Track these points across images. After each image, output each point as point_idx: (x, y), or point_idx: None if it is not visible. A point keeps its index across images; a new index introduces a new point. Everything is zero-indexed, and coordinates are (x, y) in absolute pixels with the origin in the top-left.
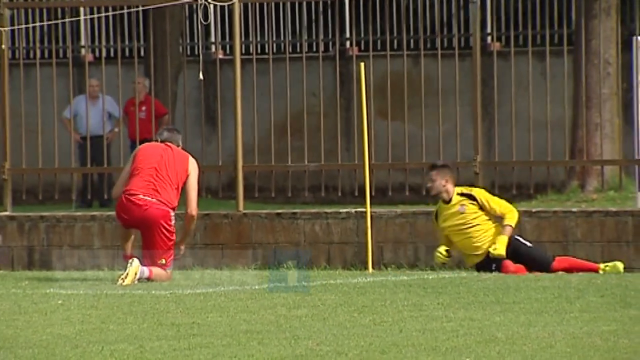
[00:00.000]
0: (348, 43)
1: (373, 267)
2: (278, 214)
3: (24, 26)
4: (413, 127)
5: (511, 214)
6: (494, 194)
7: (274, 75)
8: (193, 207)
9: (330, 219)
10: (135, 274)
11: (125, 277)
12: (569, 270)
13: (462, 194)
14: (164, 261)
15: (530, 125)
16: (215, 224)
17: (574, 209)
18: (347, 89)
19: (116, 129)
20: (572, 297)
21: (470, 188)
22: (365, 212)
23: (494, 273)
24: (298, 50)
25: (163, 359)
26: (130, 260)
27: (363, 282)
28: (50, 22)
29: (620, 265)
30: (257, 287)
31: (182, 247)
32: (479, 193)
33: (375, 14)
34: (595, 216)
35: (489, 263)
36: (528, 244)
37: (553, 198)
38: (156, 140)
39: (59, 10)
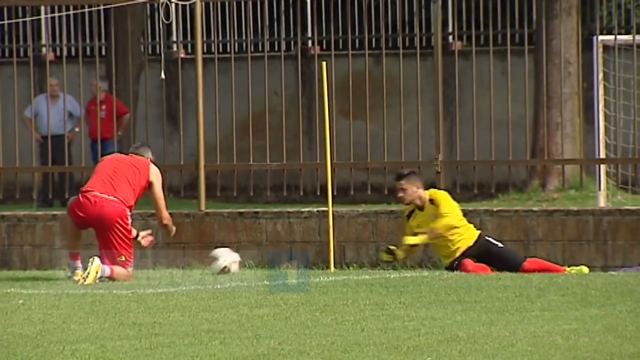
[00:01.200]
0: (310, 42)
1: (335, 267)
2: (240, 213)
3: None
4: (375, 127)
5: (440, 219)
6: (456, 198)
7: (235, 75)
8: (165, 217)
9: (292, 218)
10: (97, 272)
11: (87, 277)
12: (539, 272)
13: (431, 201)
14: (123, 258)
15: (492, 125)
16: (177, 223)
17: (535, 208)
18: (309, 88)
19: (77, 129)
20: (533, 296)
21: (434, 192)
22: (327, 212)
23: (455, 272)
24: (260, 49)
25: (125, 359)
26: (90, 259)
27: (325, 281)
28: (10, 21)
29: (585, 270)
30: (218, 286)
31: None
32: (439, 198)
33: (337, 13)
34: (556, 215)
35: (452, 262)
36: (499, 244)
37: (514, 197)
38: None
39: (20, 9)
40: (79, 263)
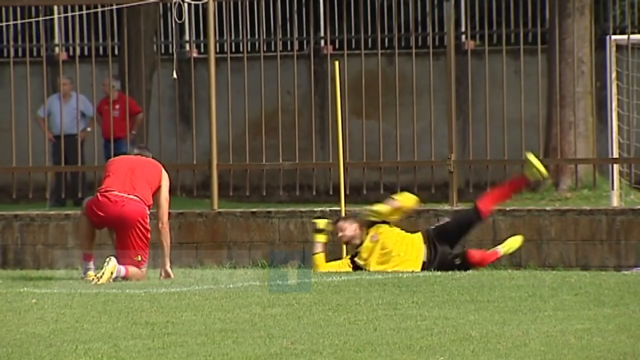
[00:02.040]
0: (323, 42)
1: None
2: (253, 212)
3: None
4: (387, 126)
5: (406, 197)
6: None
7: (248, 74)
8: (165, 220)
9: (305, 217)
10: (112, 273)
11: (101, 276)
12: (497, 200)
13: (367, 230)
14: (140, 258)
15: (505, 124)
16: (189, 222)
17: (548, 208)
18: (322, 87)
19: (89, 129)
20: (546, 296)
21: (371, 223)
22: (340, 211)
23: (468, 271)
24: (272, 48)
25: (137, 358)
26: (107, 259)
27: (337, 280)
28: (24, 21)
29: (516, 241)
30: (231, 285)
31: (170, 271)
32: (377, 212)
33: (350, 13)
34: (569, 215)
35: (450, 260)
36: (445, 220)
37: (527, 197)
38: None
39: (33, 9)
40: (91, 264)
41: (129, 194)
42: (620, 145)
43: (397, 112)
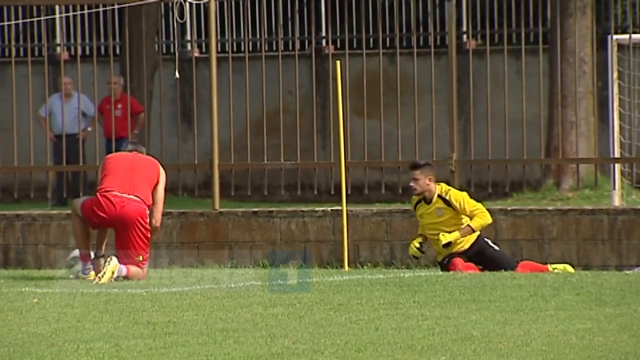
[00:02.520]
0: (324, 41)
1: (349, 266)
2: (254, 212)
3: None
4: (389, 126)
5: (480, 217)
6: (472, 196)
7: (250, 74)
8: (159, 219)
9: (307, 217)
10: (113, 272)
11: (102, 276)
12: (529, 270)
13: (440, 197)
14: (141, 258)
15: (506, 124)
16: (191, 222)
17: (550, 208)
18: (323, 87)
19: (89, 128)
20: (548, 296)
21: (448, 189)
22: (342, 211)
23: (444, 271)
24: (274, 48)
25: (139, 358)
26: (108, 259)
27: (339, 280)
28: (25, 20)
29: (570, 268)
30: (232, 285)
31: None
32: (456, 197)
33: (352, 12)
34: (570, 214)
35: (443, 259)
36: (495, 247)
37: (529, 196)
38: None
39: (35, 8)
40: (89, 264)
41: (129, 194)
42: (621, 144)
43: (398, 111)
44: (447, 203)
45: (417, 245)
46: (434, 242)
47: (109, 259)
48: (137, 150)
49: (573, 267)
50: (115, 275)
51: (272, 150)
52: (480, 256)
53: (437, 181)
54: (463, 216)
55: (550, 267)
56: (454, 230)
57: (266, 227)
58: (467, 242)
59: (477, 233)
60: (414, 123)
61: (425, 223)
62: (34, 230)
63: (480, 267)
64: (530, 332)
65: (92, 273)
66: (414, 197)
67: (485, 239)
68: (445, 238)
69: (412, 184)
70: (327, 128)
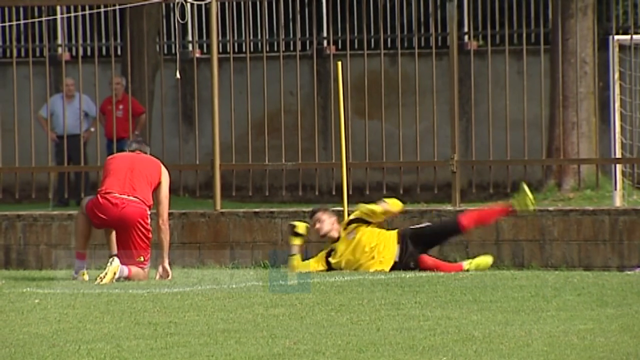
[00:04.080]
0: (325, 42)
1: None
2: (256, 212)
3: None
4: (390, 126)
5: (394, 202)
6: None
7: (251, 74)
8: (165, 218)
9: (308, 218)
10: (115, 273)
11: (104, 277)
12: (479, 221)
13: (347, 226)
14: (142, 258)
15: (507, 124)
16: (192, 223)
17: (551, 208)
18: (325, 87)
19: (92, 129)
20: (549, 296)
21: (347, 220)
22: (343, 211)
23: (423, 272)
24: (275, 49)
25: (140, 358)
26: (110, 259)
27: (340, 281)
28: (26, 21)
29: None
30: (234, 286)
31: (169, 268)
32: (359, 210)
33: (353, 13)
34: (572, 215)
35: (405, 263)
36: (425, 224)
37: None
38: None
39: (36, 9)
40: (84, 263)
41: (129, 196)
42: (623, 145)
43: (399, 112)
44: (356, 222)
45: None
46: (374, 267)
47: (110, 259)
48: (141, 149)
49: (493, 259)
50: (117, 276)
51: (274, 151)
52: (424, 239)
53: (438, 184)
54: (374, 229)
55: (466, 264)
56: (375, 245)
57: (267, 227)
58: (391, 255)
59: (396, 231)
60: (415, 123)
61: (347, 260)
62: (36, 230)
63: (434, 245)
64: (531, 332)
65: (83, 272)
66: (322, 252)
67: (412, 227)
68: (373, 207)
69: (316, 225)
70: (329, 129)
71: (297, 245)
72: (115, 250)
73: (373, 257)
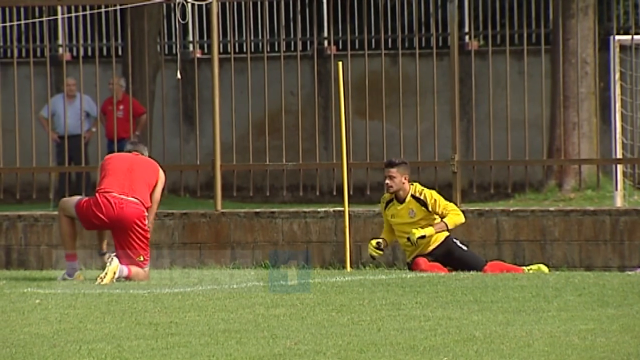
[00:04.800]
0: (326, 42)
1: (351, 266)
2: (256, 213)
3: (0, 25)
4: (391, 127)
5: (453, 214)
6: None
7: (252, 74)
8: (152, 221)
9: (309, 218)
10: (114, 273)
11: (104, 277)
12: (498, 271)
13: (414, 197)
14: (142, 258)
15: (508, 125)
16: (193, 223)
17: (552, 208)
18: (325, 88)
19: (94, 129)
20: (550, 296)
21: (422, 189)
22: (344, 211)
23: (410, 271)
24: (276, 49)
25: (141, 358)
26: (109, 260)
27: (341, 281)
28: (27, 21)
29: (545, 269)
30: (235, 286)
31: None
32: (430, 196)
33: (354, 13)
34: (572, 215)
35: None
36: (464, 247)
37: (531, 197)
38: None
39: (37, 9)
40: (76, 264)
41: (128, 196)
42: (623, 145)
43: (400, 112)
44: (421, 202)
45: (375, 244)
46: (403, 243)
47: (109, 259)
48: (137, 150)
49: (548, 267)
50: (116, 275)
51: (274, 151)
52: (449, 256)
53: (439, 184)
54: (436, 217)
55: (525, 268)
56: (422, 228)
57: (268, 227)
58: (434, 242)
59: (446, 234)
60: (416, 124)
61: (396, 223)
62: (36, 231)
63: (449, 267)
64: (532, 333)
65: (78, 273)
66: (385, 195)
67: (454, 240)
68: (419, 232)
69: (387, 181)
70: (329, 129)
71: (373, 257)
72: (105, 248)
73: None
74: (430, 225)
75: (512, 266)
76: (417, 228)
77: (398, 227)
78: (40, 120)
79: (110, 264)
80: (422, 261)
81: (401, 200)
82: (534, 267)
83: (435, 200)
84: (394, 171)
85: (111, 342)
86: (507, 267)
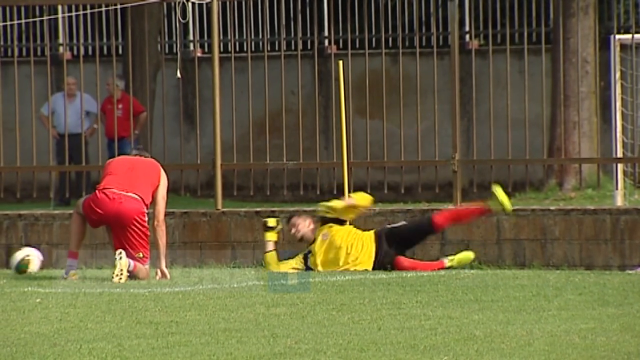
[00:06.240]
0: (327, 41)
1: None
2: (257, 212)
3: (1, 24)
4: (391, 126)
5: (362, 196)
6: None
7: (252, 74)
8: (161, 219)
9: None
10: (126, 267)
11: (120, 274)
12: (454, 220)
13: (320, 227)
14: (141, 254)
15: (509, 124)
16: (193, 222)
17: (552, 207)
18: (326, 87)
19: (95, 125)
20: (551, 295)
21: (325, 224)
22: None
23: (391, 271)
24: (277, 48)
25: (141, 357)
26: (119, 256)
27: (341, 280)
28: (28, 20)
29: (470, 255)
30: (235, 285)
31: (166, 270)
32: (332, 207)
33: (354, 12)
34: (573, 214)
35: (382, 263)
36: (401, 223)
37: (531, 196)
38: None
39: (37, 8)
40: (75, 262)
41: (127, 192)
42: (624, 144)
43: (401, 111)
44: (328, 221)
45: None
46: (355, 266)
47: (119, 254)
48: (141, 154)
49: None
50: (129, 269)
51: (275, 150)
52: (399, 239)
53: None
54: (348, 228)
55: (448, 260)
56: (351, 244)
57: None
58: (369, 254)
59: (373, 232)
60: (417, 123)
61: (325, 261)
62: (37, 230)
63: (411, 245)
64: (532, 332)
65: (73, 272)
66: (300, 254)
67: (389, 226)
68: (325, 204)
69: (292, 230)
70: (330, 128)
71: (271, 242)
72: (78, 249)
73: (349, 256)
74: (349, 235)
75: (458, 210)
76: (341, 253)
77: (328, 261)
78: (41, 118)
79: (120, 259)
80: (403, 259)
81: (313, 242)
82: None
83: (323, 207)
84: (294, 219)
85: (112, 341)
86: (453, 212)
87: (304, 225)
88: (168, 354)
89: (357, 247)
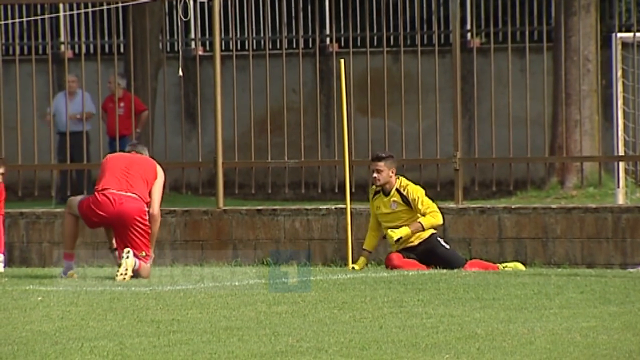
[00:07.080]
0: (328, 39)
1: (353, 264)
2: (258, 210)
3: (2, 22)
4: (393, 124)
5: (431, 215)
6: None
7: (254, 72)
8: (156, 207)
9: (311, 215)
10: (132, 266)
11: (125, 273)
12: (476, 268)
13: (398, 190)
14: (144, 253)
15: (510, 122)
16: (195, 220)
17: (554, 206)
18: (327, 85)
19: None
20: (552, 294)
21: (406, 184)
22: (345, 209)
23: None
24: (278, 46)
25: (143, 356)
26: (126, 254)
27: (343, 278)
28: (29, 19)
29: (520, 266)
30: (237, 283)
31: (151, 253)
32: (413, 193)
33: (355, 11)
34: (574, 213)
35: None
36: (446, 246)
37: (533, 194)
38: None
39: (39, 7)
40: (72, 263)
41: (126, 192)
42: (625, 143)
43: (402, 110)
44: (403, 198)
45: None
46: (388, 234)
47: (126, 253)
48: (136, 150)
49: (524, 265)
50: (134, 267)
51: (276, 149)
52: (431, 253)
53: (440, 181)
54: (412, 214)
55: (500, 265)
56: (404, 225)
57: (270, 225)
58: (417, 238)
59: (432, 231)
60: (418, 121)
61: (380, 213)
62: (38, 228)
63: (431, 264)
64: (534, 330)
65: (71, 272)
66: (372, 187)
67: (438, 238)
68: (395, 234)
69: (375, 175)
70: (331, 126)
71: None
72: (115, 245)
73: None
74: (410, 221)
75: (489, 264)
76: (393, 230)
77: (381, 218)
78: (46, 118)
79: (127, 258)
80: (396, 256)
81: (387, 193)
82: (510, 264)
83: (417, 197)
84: (381, 165)
85: (113, 340)
86: (484, 265)
87: (387, 174)
88: (169, 352)
89: (407, 222)
